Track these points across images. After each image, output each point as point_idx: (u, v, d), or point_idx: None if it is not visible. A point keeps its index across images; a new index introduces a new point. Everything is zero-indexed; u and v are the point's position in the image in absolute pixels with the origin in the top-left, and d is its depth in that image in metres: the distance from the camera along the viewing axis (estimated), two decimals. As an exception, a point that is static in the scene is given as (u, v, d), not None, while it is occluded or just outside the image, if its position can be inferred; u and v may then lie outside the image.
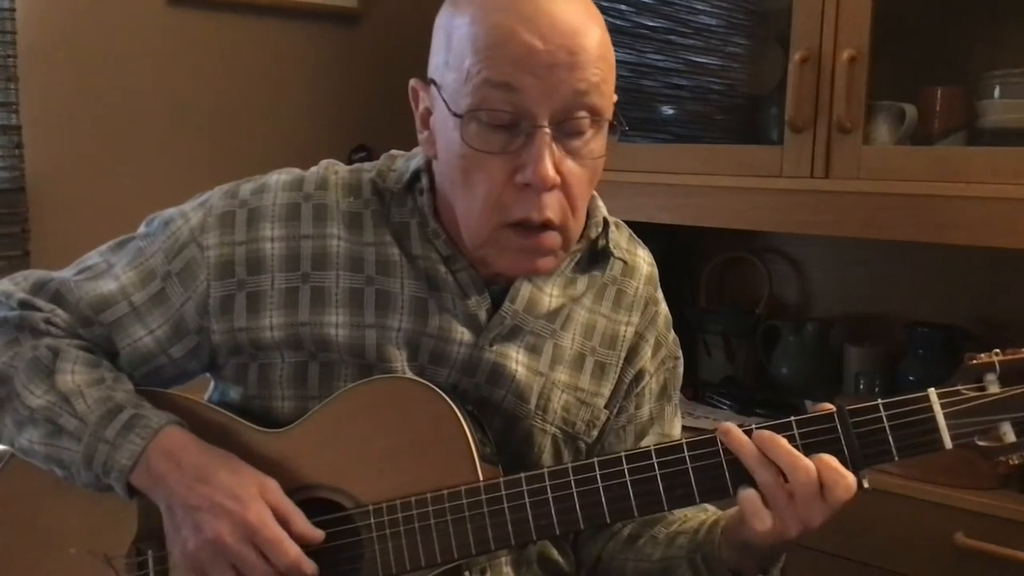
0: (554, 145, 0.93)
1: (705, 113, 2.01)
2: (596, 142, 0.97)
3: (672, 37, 1.97)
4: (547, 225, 0.96)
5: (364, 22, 2.59)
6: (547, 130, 0.92)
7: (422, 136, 1.03)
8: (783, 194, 1.73)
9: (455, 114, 0.95)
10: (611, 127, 0.99)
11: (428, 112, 1.00)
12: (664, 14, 1.98)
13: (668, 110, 2.03)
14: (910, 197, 1.59)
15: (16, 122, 2.04)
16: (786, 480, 0.91)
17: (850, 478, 0.91)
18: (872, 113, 1.69)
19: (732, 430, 0.93)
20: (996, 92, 1.65)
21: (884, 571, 1.61)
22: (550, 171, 0.92)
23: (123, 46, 2.22)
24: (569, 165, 0.95)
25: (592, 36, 0.94)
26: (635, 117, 2.01)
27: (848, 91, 1.64)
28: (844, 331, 2.01)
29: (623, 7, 1.98)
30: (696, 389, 2.06)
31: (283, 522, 0.97)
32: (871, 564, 1.62)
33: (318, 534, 0.98)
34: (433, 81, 0.99)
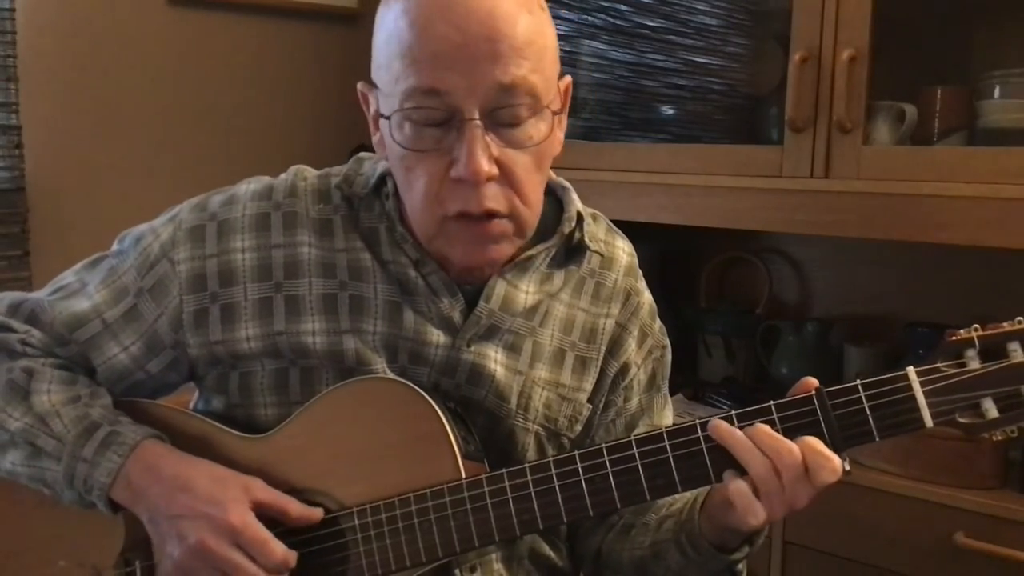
0: (489, 136, 0.93)
1: (705, 113, 2.01)
2: (535, 128, 0.95)
3: (672, 37, 1.97)
4: (490, 215, 0.96)
5: (364, 22, 2.58)
6: (477, 123, 0.92)
7: (375, 138, 1.03)
8: (783, 194, 1.73)
9: (385, 116, 0.96)
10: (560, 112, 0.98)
11: (377, 114, 1.00)
12: (664, 14, 1.98)
13: (668, 110, 2.03)
14: (910, 197, 1.59)
15: (16, 122, 2.04)
16: (772, 463, 0.91)
17: (835, 461, 0.90)
18: (872, 113, 1.69)
19: (720, 425, 0.93)
20: (996, 92, 1.65)
21: (884, 571, 1.61)
22: (481, 165, 0.92)
23: (123, 46, 2.22)
24: (509, 154, 0.94)
25: (516, 21, 0.91)
26: (635, 117, 2.01)
27: (848, 91, 1.63)
28: (844, 331, 2.01)
29: (623, 7, 1.97)
30: (696, 389, 2.06)
31: (279, 511, 0.97)
32: (871, 564, 1.62)
33: (316, 512, 0.98)
34: (374, 84, 0.99)
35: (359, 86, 1.03)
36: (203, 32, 2.34)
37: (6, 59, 2.02)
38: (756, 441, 0.92)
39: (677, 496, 1.09)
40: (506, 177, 0.95)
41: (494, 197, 0.95)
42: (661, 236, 1.98)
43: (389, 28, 0.94)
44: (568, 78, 1.03)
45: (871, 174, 1.63)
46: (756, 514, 0.91)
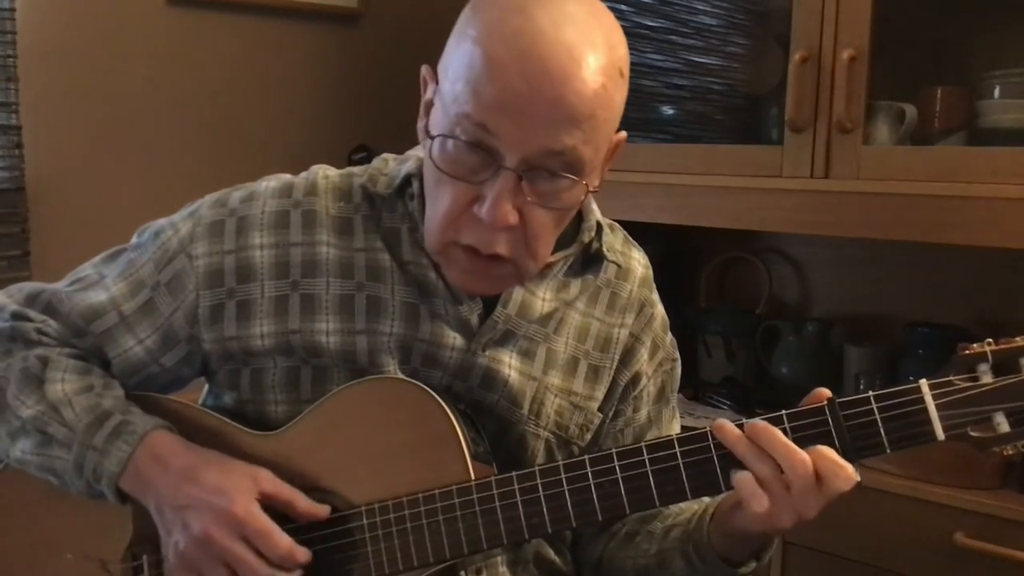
0: (522, 185, 0.92)
1: (705, 113, 2.01)
2: (568, 193, 0.94)
3: (672, 37, 1.97)
4: (495, 258, 0.96)
5: (364, 22, 2.59)
6: (513, 173, 0.91)
7: (420, 123, 1.01)
8: (783, 194, 1.73)
9: (430, 135, 0.95)
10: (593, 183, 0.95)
11: (430, 103, 0.99)
12: (664, 14, 1.98)
13: (668, 110, 2.03)
14: (910, 197, 1.59)
15: (16, 122, 2.04)
16: (782, 472, 0.90)
17: (849, 469, 0.90)
18: (872, 113, 1.69)
19: (725, 425, 0.93)
20: (996, 92, 1.65)
21: (884, 571, 1.61)
22: (503, 213, 0.91)
23: (123, 46, 2.22)
24: (534, 208, 0.93)
25: (588, 90, 0.89)
26: (635, 117, 2.01)
27: (848, 91, 1.64)
28: (844, 331, 2.01)
29: (623, 7, 1.98)
30: (696, 389, 2.07)
31: (285, 504, 0.97)
32: (871, 564, 1.62)
33: (323, 510, 0.98)
34: (437, 76, 0.98)
35: (424, 69, 1.00)
36: (203, 32, 2.34)
37: (6, 59, 2.02)
38: (763, 443, 0.91)
39: (684, 505, 1.09)
40: (522, 228, 0.94)
41: (504, 244, 0.94)
42: (661, 236, 1.98)
43: (465, 47, 0.92)
44: (621, 135, 1.01)
45: (871, 174, 1.63)
46: (760, 501, 0.90)
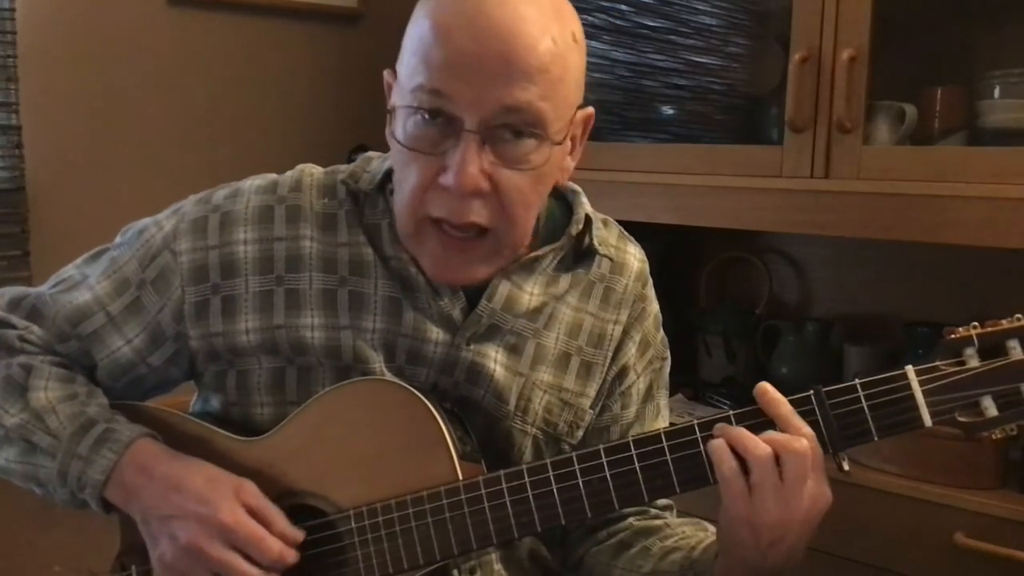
0: (486, 149, 0.92)
1: (705, 113, 2.01)
2: (535, 153, 0.94)
3: (672, 37, 1.97)
4: (472, 229, 0.95)
5: (364, 22, 2.59)
6: (474, 135, 0.91)
7: (388, 130, 1.02)
8: (783, 194, 1.73)
9: (389, 111, 0.96)
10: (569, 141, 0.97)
11: (395, 107, 1.00)
12: (664, 14, 1.97)
13: (668, 110, 2.02)
14: (910, 197, 1.59)
15: (16, 122, 2.04)
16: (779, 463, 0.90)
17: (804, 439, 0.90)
18: (872, 113, 1.69)
19: (726, 426, 0.93)
20: (996, 92, 1.65)
21: (884, 571, 1.60)
22: (469, 176, 0.91)
23: (123, 46, 2.22)
24: (503, 172, 0.94)
25: (536, 45, 0.91)
26: (635, 117, 2.01)
27: (848, 91, 1.63)
28: (844, 331, 2.00)
29: (623, 7, 1.97)
30: (696, 389, 2.07)
31: (263, 523, 0.96)
32: (871, 564, 1.62)
33: (298, 534, 0.98)
34: (396, 74, 1.00)
35: (385, 74, 1.02)
36: (203, 32, 2.34)
37: (6, 59, 2.02)
38: (765, 438, 0.91)
39: (690, 531, 1.09)
40: (496, 195, 0.94)
41: (479, 212, 0.94)
42: (661, 236, 1.98)
43: (416, 25, 0.95)
44: (589, 110, 1.02)
45: (871, 174, 1.63)
46: (730, 464, 0.90)
